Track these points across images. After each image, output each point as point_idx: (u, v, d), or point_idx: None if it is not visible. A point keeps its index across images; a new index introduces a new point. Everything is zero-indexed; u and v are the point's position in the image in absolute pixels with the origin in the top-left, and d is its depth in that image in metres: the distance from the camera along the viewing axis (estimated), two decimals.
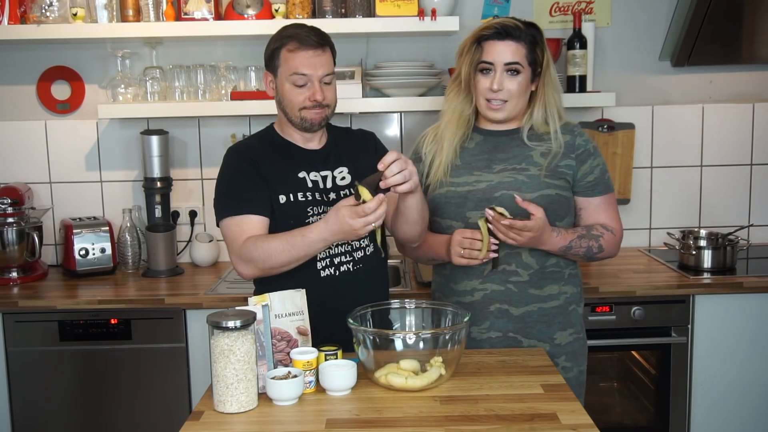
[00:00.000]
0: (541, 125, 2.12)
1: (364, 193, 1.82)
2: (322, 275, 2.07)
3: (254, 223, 2.01)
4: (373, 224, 1.81)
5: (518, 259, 2.08)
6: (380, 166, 1.83)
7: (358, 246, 2.11)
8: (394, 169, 1.82)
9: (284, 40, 2.04)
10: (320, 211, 2.06)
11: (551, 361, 1.99)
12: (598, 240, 2.10)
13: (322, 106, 2.05)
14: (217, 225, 2.09)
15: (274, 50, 2.06)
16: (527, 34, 2.06)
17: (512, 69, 2.05)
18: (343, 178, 2.13)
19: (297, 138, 2.13)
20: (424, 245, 2.17)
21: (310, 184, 2.09)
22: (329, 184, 2.11)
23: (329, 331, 1.92)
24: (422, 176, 2.16)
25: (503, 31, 2.04)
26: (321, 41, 2.04)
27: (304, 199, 2.06)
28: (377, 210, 1.80)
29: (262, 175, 2.06)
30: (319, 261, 2.07)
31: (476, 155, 2.14)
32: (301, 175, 2.09)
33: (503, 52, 2.04)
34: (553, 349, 2.11)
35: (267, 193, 2.04)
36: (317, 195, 2.08)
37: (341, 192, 2.11)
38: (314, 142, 2.15)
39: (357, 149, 2.20)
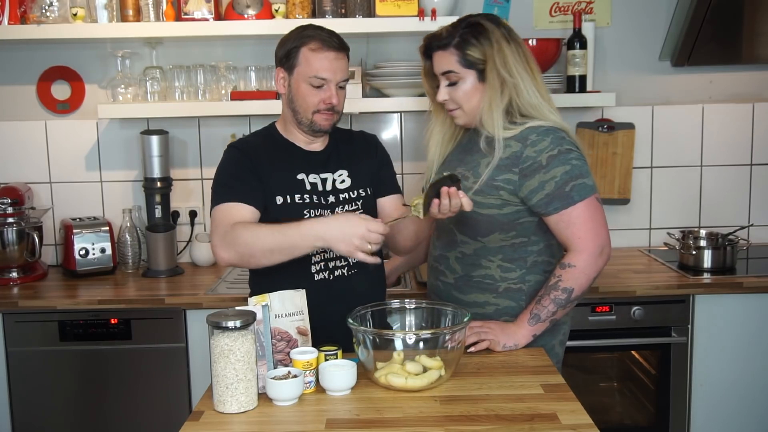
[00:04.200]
0: (495, 130, 2.01)
1: (418, 204, 1.88)
2: (315, 279, 2.07)
3: (245, 212, 1.99)
4: (370, 246, 1.82)
5: (447, 263, 2.13)
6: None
7: None
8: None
9: (305, 39, 2.01)
10: (317, 214, 2.05)
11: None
12: (558, 287, 1.98)
13: (334, 111, 2.05)
14: (210, 215, 2.08)
15: (292, 48, 2.02)
16: (458, 38, 2.00)
17: (450, 78, 2.02)
18: (342, 182, 2.13)
19: (300, 139, 2.13)
20: None
21: (308, 186, 2.08)
22: (329, 187, 2.11)
23: (324, 334, 1.91)
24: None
25: (429, 44, 2.05)
26: (342, 45, 2.04)
27: (301, 201, 2.06)
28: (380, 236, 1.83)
29: (258, 173, 2.05)
30: (314, 264, 2.07)
31: (457, 154, 2.15)
32: (300, 177, 2.09)
33: (437, 63, 2.04)
34: None
35: (261, 189, 2.04)
36: (314, 198, 2.08)
37: (340, 195, 2.11)
38: (317, 144, 2.14)
39: (358, 153, 2.20)
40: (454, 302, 2.07)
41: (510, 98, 2.00)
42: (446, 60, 2.02)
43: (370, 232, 1.81)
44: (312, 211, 2.06)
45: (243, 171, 2.05)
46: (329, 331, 1.91)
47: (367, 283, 2.13)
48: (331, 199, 2.09)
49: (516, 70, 1.99)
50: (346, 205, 2.10)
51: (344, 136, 2.23)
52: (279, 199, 2.05)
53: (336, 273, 2.09)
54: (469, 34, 2.00)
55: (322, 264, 2.08)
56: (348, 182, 2.13)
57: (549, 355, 2.03)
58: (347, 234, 1.81)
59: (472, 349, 1.95)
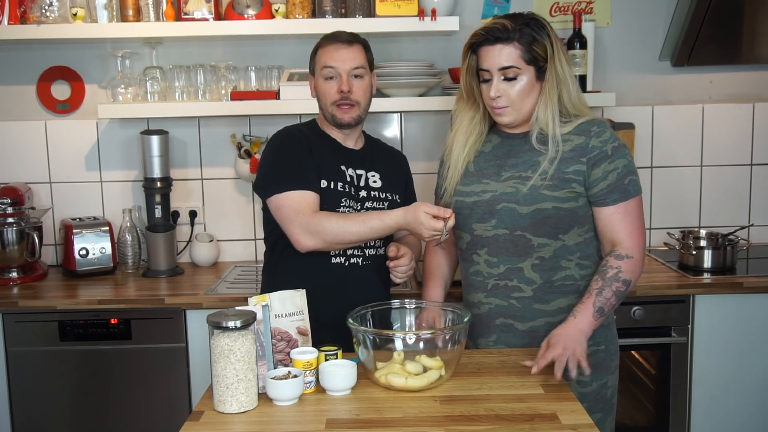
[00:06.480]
0: (550, 126, 1.99)
1: None
2: (332, 262, 2.13)
3: (314, 200, 2.08)
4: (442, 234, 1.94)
5: (520, 275, 2.00)
6: (391, 254, 2.14)
7: (371, 244, 2.17)
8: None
9: (319, 43, 2.19)
10: (349, 205, 2.13)
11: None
12: (619, 279, 1.93)
13: (351, 103, 2.12)
14: (266, 197, 2.13)
15: (312, 54, 2.20)
16: (521, 32, 1.93)
17: (508, 73, 1.95)
18: (375, 182, 2.21)
19: (337, 136, 2.22)
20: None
21: (348, 178, 2.16)
22: (362, 183, 2.18)
23: (329, 315, 1.98)
24: (443, 179, 2.14)
25: (492, 36, 1.94)
26: (352, 38, 2.15)
27: (342, 189, 2.13)
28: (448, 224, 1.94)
29: (313, 158, 2.13)
30: None
31: (490, 160, 2.06)
32: (342, 167, 2.16)
33: (496, 56, 1.94)
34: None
35: (318, 175, 2.11)
36: (352, 189, 2.15)
37: (372, 192, 2.18)
38: (352, 141, 2.23)
39: (390, 163, 2.30)
40: (537, 315, 2.00)
41: (560, 96, 1.99)
42: (507, 54, 1.94)
43: (434, 220, 1.94)
44: (347, 200, 2.13)
45: (303, 157, 2.12)
46: (335, 312, 1.96)
47: (375, 275, 2.19)
48: (363, 194, 2.17)
49: (568, 69, 2.00)
50: (375, 204, 2.18)
51: (377, 144, 2.34)
52: (324, 183, 2.11)
53: (351, 260, 2.15)
54: (533, 30, 1.95)
55: (340, 249, 2.13)
56: (379, 183, 2.22)
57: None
58: (418, 221, 1.95)
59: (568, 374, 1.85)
